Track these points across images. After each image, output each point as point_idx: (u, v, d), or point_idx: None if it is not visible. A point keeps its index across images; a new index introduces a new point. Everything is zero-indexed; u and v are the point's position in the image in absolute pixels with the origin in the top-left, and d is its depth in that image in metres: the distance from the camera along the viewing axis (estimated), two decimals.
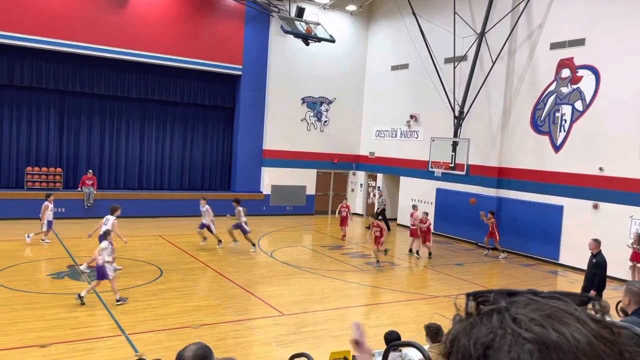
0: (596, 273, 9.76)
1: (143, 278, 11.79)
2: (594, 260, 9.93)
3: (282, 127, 23.03)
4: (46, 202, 14.47)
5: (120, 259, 13.33)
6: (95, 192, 19.09)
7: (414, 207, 17.51)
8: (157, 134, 21.89)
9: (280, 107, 22.94)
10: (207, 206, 15.19)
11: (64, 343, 7.87)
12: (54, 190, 18.79)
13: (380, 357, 4.88)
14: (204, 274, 12.71)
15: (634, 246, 13.62)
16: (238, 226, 15.19)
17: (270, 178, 22.97)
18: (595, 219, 15.21)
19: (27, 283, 10.40)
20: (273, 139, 22.94)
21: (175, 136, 22.29)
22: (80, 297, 9.56)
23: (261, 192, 22.85)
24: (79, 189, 19.02)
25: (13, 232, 15.40)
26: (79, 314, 9.21)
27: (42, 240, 14.57)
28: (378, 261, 14.41)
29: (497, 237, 16.74)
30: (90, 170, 19.45)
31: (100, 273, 9.77)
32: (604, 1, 15.35)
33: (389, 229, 20.25)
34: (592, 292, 9.40)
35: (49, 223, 14.45)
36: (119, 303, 9.72)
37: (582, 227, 15.37)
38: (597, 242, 10.00)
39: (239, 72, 22.07)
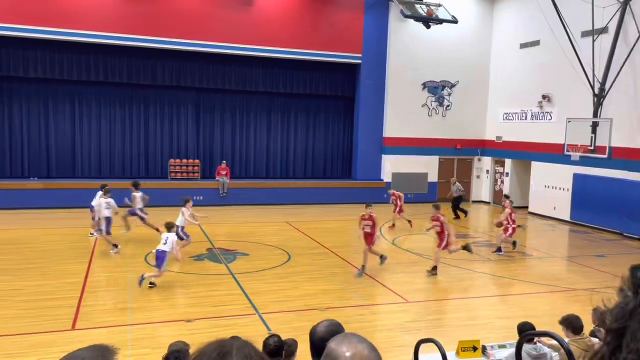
0: None
1: (273, 261, 12.46)
2: None
3: (402, 113, 22.78)
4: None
5: (252, 244, 14.25)
6: (229, 181, 20.50)
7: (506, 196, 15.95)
8: (282, 125, 22.87)
9: (400, 94, 22.69)
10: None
11: (206, 319, 8.62)
12: (192, 180, 20.56)
13: (513, 349, 4.68)
14: (329, 259, 13.08)
15: None
16: (133, 212, 14.03)
17: (391, 165, 22.88)
18: None
19: (172, 264, 11.52)
20: (393, 126, 22.78)
21: (298, 127, 23.11)
22: (142, 279, 10.01)
23: (382, 180, 22.86)
24: (216, 178, 20.54)
25: (160, 218, 17.07)
26: (217, 293, 10.02)
27: (91, 234, 14.35)
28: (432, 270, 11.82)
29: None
30: (224, 161, 20.91)
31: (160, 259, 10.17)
32: None
33: (465, 214, 19.92)
34: None
35: (107, 219, 12.92)
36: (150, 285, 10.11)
37: None
38: None
39: (359, 61, 22.19)
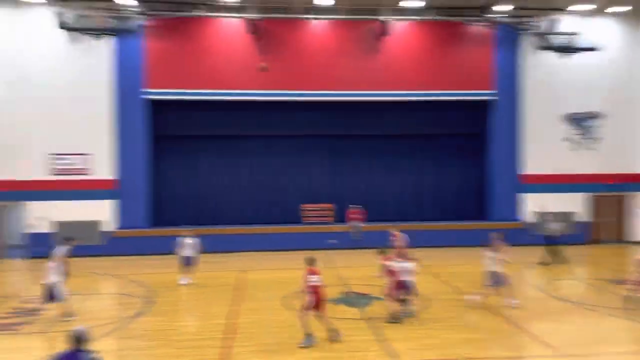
0: None
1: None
2: None
3: (541, 149, 21.38)
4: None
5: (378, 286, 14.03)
6: (362, 225, 20.60)
7: None
8: (410, 166, 22.75)
9: (538, 128, 21.42)
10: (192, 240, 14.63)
11: None
12: (325, 224, 21.06)
13: None
14: (467, 305, 12.40)
15: None
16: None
17: (533, 204, 21.36)
18: None
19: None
20: (533, 162, 21.43)
21: (427, 168, 22.82)
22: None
23: (521, 220, 21.40)
24: (347, 223, 20.82)
25: (295, 262, 17.68)
26: (354, 338, 9.95)
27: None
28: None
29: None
30: (356, 206, 21.09)
31: None
32: None
33: (556, 261, 16.85)
34: None
35: (187, 259, 14.51)
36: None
37: None
38: None
39: (491, 97, 21.46)
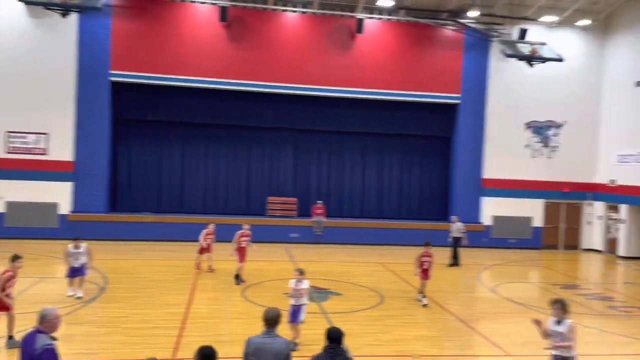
0: None
1: (365, 303, 12.27)
2: None
3: (503, 154, 21.91)
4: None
5: (344, 284, 14.17)
6: (325, 220, 20.75)
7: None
8: (376, 165, 22.93)
9: (501, 134, 21.91)
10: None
11: (300, 357, 8.59)
12: (289, 218, 21.05)
13: None
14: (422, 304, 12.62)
15: None
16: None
17: (491, 208, 21.92)
18: None
19: (269, 299, 11.72)
20: (493, 167, 21.94)
21: (392, 167, 23.05)
22: None
23: (481, 223, 21.93)
24: (311, 217, 20.87)
25: (258, 254, 17.62)
26: (310, 332, 9.99)
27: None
28: (424, 296, 12.46)
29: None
30: (320, 201, 21.21)
31: None
32: None
33: (455, 264, 17.28)
34: None
35: (74, 270, 11.68)
36: None
37: None
38: None
39: (458, 101, 21.84)
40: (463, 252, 17.86)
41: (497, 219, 21.90)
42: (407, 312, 11.73)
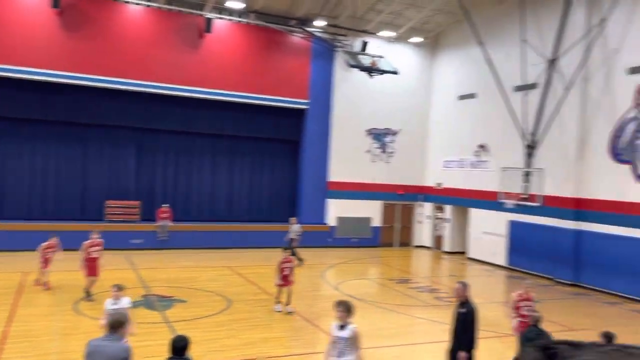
0: (467, 328, 7.47)
1: (211, 308, 12.03)
2: (462, 310, 7.58)
3: (347, 158, 23.17)
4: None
5: (191, 290, 13.75)
6: (170, 224, 19.90)
7: None
8: (226, 167, 22.66)
9: (345, 139, 23.14)
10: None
11: None
12: (131, 222, 19.80)
13: None
14: (271, 305, 12.78)
15: None
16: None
17: (336, 210, 23.03)
18: None
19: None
20: (338, 171, 23.09)
21: (243, 169, 22.99)
22: None
23: (326, 224, 22.92)
24: (156, 222, 19.84)
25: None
26: (151, 343, 9.50)
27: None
28: (280, 302, 12.11)
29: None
30: (166, 205, 20.27)
31: None
32: None
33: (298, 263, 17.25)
34: (463, 355, 7.39)
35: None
36: None
37: None
38: (465, 287, 7.65)
39: (305, 107, 22.56)
40: (309, 252, 18.50)
41: (341, 219, 23.06)
42: (254, 315, 11.77)
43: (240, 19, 21.07)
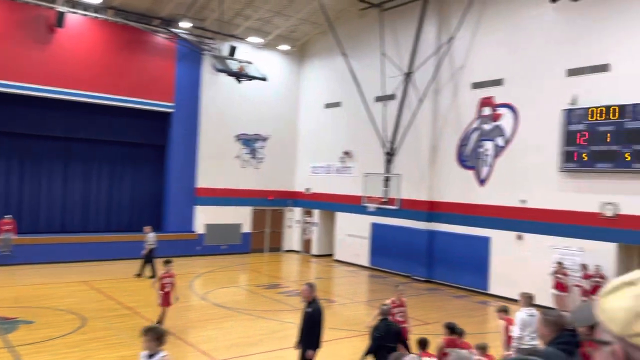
0: (313, 326, 7.92)
1: (64, 328, 11.01)
2: (308, 310, 7.97)
3: (215, 164, 22.73)
4: None
5: (39, 309, 12.46)
6: (14, 237, 17.86)
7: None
8: (82, 174, 20.95)
9: (213, 145, 22.68)
10: None
11: None
12: None
13: None
14: (131, 320, 12.04)
15: (557, 275, 14.31)
16: None
17: (204, 217, 22.46)
18: (520, 250, 15.91)
19: None
20: (206, 177, 22.55)
21: (102, 176, 21.45)
22: None
23: (194, 232, 22.24)
24: None
25: None
26: None
27: None
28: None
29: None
30: (9, 216, 18.16)
31: None
32: (518, 45, 16.51)
33: (153, 276, 15.72)
34: (309, 354, 7.91)
35: None
36: None
37: (508, 257, 16.03)
38: (311, 288, 8.11)
39: (171, 110, 21.72)
40: (177, 262, 17.68)
41: (210, 227, 22.53)
42: (112, 333, 10.99)
43: (96, 15, 19.67)
